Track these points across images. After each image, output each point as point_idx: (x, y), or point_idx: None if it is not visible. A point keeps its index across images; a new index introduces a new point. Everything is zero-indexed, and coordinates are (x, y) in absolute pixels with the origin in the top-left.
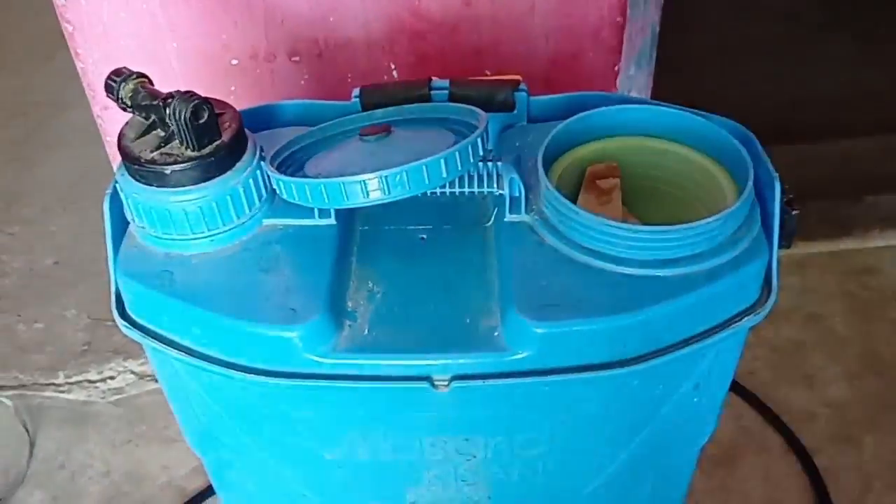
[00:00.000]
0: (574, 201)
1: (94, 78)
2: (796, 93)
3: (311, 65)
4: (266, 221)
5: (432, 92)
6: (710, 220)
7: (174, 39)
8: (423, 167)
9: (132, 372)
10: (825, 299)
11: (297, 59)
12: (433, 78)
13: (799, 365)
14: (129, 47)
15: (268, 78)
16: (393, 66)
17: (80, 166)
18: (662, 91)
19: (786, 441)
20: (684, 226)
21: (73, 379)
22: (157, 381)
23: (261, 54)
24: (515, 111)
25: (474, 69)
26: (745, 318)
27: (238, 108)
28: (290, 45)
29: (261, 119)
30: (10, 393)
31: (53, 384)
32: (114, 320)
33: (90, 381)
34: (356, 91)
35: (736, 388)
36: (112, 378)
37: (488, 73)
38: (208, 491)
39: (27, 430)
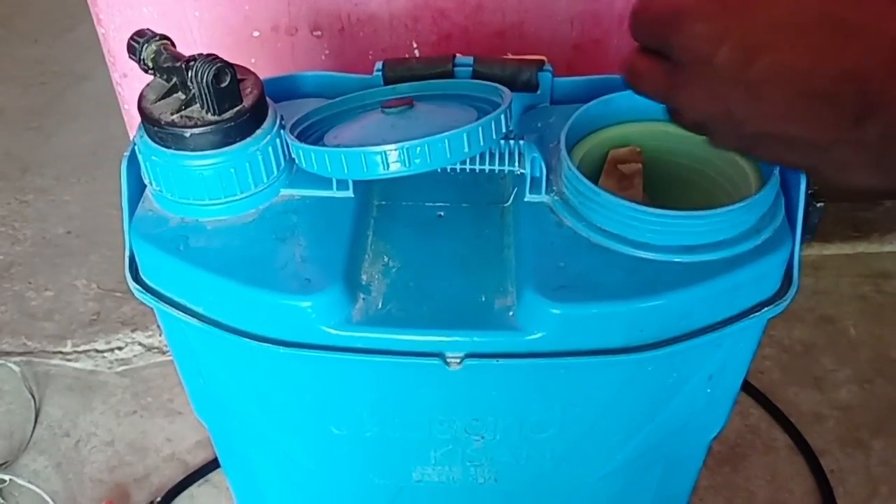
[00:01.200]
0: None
1: (114, 44)
2: None
3: (332, 40)
4: (283, 191)
5: (456, 69)
6: (733, 206)
7: (196, 8)
8: (446, 140)
9: (140, 343)
10: (839, 302)
11: (318, 33)
12: (457, 55)
13: (809, 366)
14: (151, 15)
15: (288, 51)
16: (415, 45)
17: (96, 137)
18: None
19: (793, 441)
20: (707, 211)
21: (81, 348)
22: (164, 353)
23: (282, 27)
24: (539, 92)
25: (497, 50)
26: (765, 309)
27: None
28: (313, 18)
29: (282, 89)
30: (17, 359)
31: (61, 352)
32: (123, 291)
33: (97, 351)
34: (378, 64)
35: (745, 386)
36: (119, 349)
37: (510, 55)
38: (211, 464)
39: (33, 397)
